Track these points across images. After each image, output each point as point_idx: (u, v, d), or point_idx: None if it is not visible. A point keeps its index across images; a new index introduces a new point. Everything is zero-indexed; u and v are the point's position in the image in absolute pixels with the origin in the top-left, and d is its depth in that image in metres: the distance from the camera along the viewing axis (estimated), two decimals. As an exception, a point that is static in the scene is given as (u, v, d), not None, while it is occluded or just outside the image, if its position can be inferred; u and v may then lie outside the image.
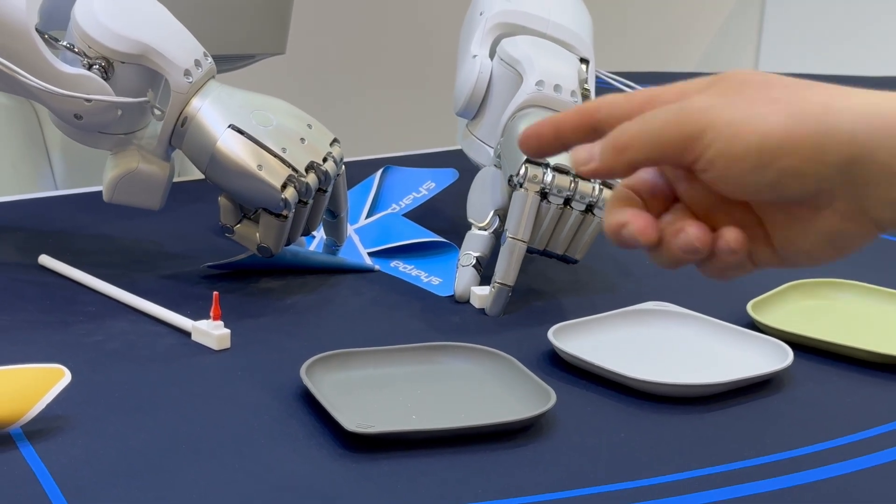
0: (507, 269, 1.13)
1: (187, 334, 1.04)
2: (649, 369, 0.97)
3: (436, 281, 1.20)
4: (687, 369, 1.01)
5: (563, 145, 0.69)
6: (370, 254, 1.26)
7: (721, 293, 1.19)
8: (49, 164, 1.61)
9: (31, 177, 1.61)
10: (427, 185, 1.36)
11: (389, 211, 1.34)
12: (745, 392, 0.97)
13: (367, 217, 1.33)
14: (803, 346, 1.05)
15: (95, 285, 1.13)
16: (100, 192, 1.18)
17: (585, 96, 1.29)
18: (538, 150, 0.69)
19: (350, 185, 1.27)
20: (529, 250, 1.15)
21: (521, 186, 1.13)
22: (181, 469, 0.81)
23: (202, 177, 1.15)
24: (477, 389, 0.95)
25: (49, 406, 0.84)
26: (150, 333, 1.04)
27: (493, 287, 1.14)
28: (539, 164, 1.13)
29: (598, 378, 0.98)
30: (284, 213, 1.11)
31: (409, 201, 1.35)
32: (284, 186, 1.10)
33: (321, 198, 1.16)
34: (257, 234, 1.13)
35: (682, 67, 3.72)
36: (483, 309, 1.14)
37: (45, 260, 1.18)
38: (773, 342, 1.03)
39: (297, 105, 1.18)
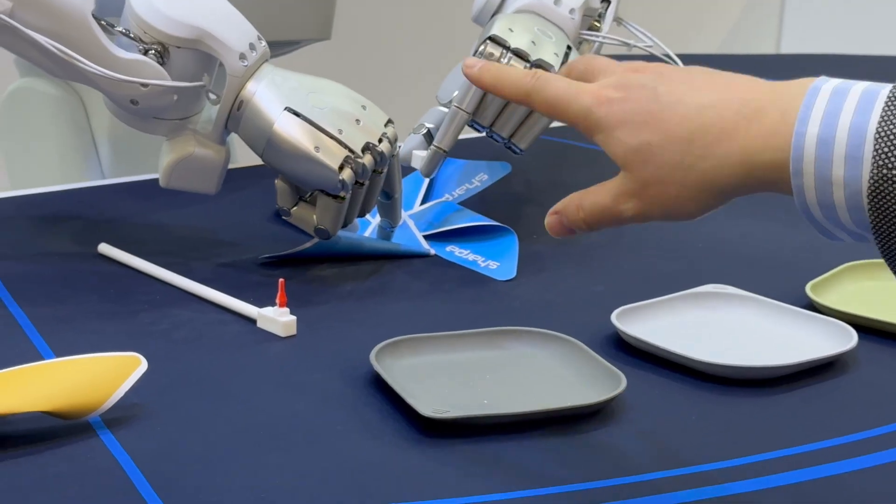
0: (444, 134, 1.22)
1: (252, 322, 1.04)
2: (714, 352, 0.97)
3: (493, 265, 1.20)
4: (752, 352, 1.00)
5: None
6: (426, 237, 1.26)
7: (776, 274, 1.19)
8: (96, 153, 1.62)
9: (78, 166, 1.61)
10: (480, 177, 1.37)
11: (443, 200, 1.34)
12: (810, 374, 0.97)
13: (421, 205, 1.33)
14: (864, 328, 1.05)
15: (158, 273, 1.14)
16: (151, 180, 1.19)
17: (594, 28, 1.32)
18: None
19: (402, 172, 1.28)
20: (476, 127, 1.23)
21: None
22: (263, 456, 0.81)
23: (250, 164, 1.16)
24: (546, 374, 0.95)
25: (124, 394, 0.85)
26: (215, 321, 1.05)
27: (430, 149, 1.22)
28: (500, 45, 1.20)
29: (663, 361, 0.98)
30: (342, 194, 1.12)
31: (461, 192, 1.35)
32: (341, 167, 1.10)
33: (377, 179, 1.16)
34: (314, 217, 1.14)
35: (705, 49, 3.71)
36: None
37: (105, 248, 1.19)
38: (835, 324, 1.03)
39: None
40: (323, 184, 1.11)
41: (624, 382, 0.90)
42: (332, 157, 1.10)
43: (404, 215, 1.28)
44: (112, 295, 1.10)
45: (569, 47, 1.25)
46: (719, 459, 0.83)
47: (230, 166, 1.18)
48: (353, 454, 0.82)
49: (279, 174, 1.14)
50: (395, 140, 1.17)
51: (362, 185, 1.14)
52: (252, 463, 0.80)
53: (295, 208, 1.15)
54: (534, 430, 0.86)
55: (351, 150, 1.10)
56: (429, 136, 1.26)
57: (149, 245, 1.22)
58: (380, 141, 1.14)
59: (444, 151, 1.23)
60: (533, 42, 1.21)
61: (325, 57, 2.16)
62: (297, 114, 1.10)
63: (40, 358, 0.94)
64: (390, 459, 0.82)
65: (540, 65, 1.19)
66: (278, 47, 1.61)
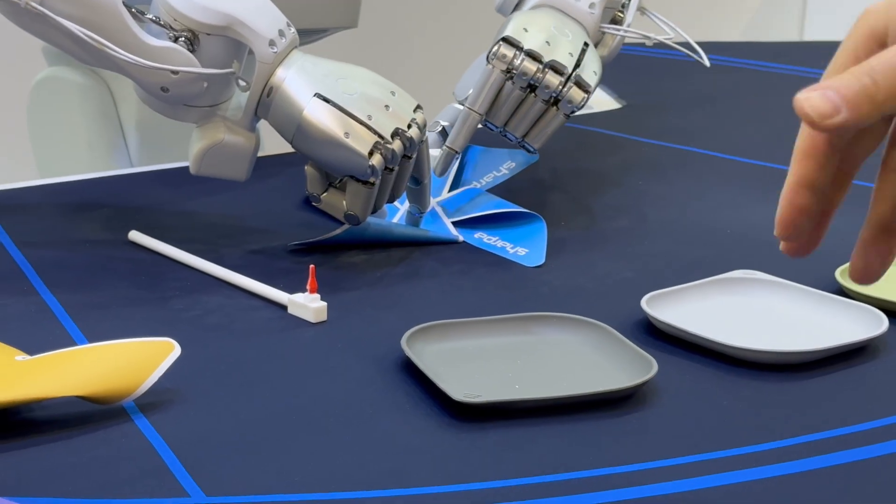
0: (456, 135, 1.24)
1: (283, 308, 1.04)
2: (745, 337, 0.97)
3: (522, 252, 1.20)
4: (782, 337, 1.00)
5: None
6: (454, 224, 1.26)
7: (806, 260, 1.19)
8: (124, 141, 1.63)
9: (106, 154, 1.62)
10: (507, 165, 1.37)
11: (471, 187, 1.34)
12: (840, 359, 0.97)
13: (449, 192, 1.34)
14: (895, 313, 1.04)
15: (188, 260, 1.14)
16: (180, 168, 1.20)
17: (616, 21, 1.33)
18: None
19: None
20: (489, 126, 1.25)
21: (489, 62, 1.22)
22: (294, 440, 0.82)
23: (280, 152, 1.16)
24: (577, 359, 0.95)
25: (159, 379, 0.85)
26: (246, 307, 1.05)
27: (442, 150, 1.24)
28: (513, 46, 1.21)
29: (692, 346, 0.98)
30: (371, 179, 1.12)
31: (489, 179, 1.35)
32: (371, 153, 1.10)
33: (406, 164, 1.17)
34: (344, 203, 1.14)
35: (727, 36, 3.70)
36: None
37: (135, 236, 1.19)
38: (866, 309, 1.02)
39: None
40: (353, 170, 1.11)
41: (655, 367, 0.90)
42: (361, 142, 1.10)
43: (433, 202, 1.29)
44: (143, 282, 1.11)
45: (586, 44, 1.25)
46: (750, 444, 0.83)
47: (260, 154, 1.18)
48: (384, 439, 0.83)
49: (309, 160, 1.14)
50: (425, 125, 1.17)
51: (392, 170, 1.14)
52: (284, 447, 0.81)
53: (325, 194, 1.15)
54: (565, 415, 0.86)
55: (380, 136, 1.11)
56: (444, 134, 1.28)
57: (179, 232, 1.23)
58: (409, 126, 1.14)
59: (456, 152, 1.25)
60: (547, 42, 1.22)
61: (352, 45, 2.17)
62: (326, 100, 1.10)
63: (73, 344, 0.95)
64: (422, 444, 0.82)
65: (553, 66, 1.20)
66: (305, 35, 1.61)
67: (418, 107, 1.17)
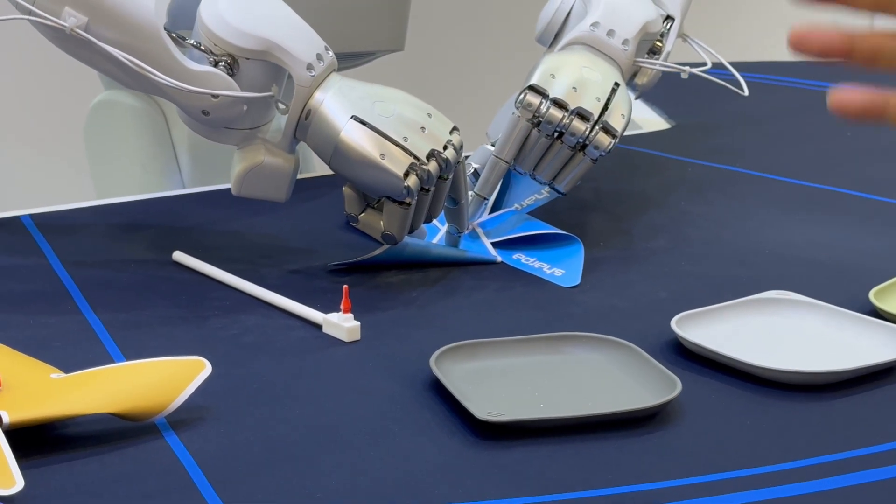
0: (484, 182, 1.27)
1: (318, 327, 1.06)
2: (774, 357, 0.98)
3: (558, 272, 1.21)
4: (811, 357, 1.01)
5: None
6: (493, 244, 1.28)
7: (841, 281, 1.19)
8: (177, 163, 1.66)
9: (159, 176, 1.65)
10: (548, 188, 1.38)
11: (512, 209, 1.36)
12: (870, 379, 0.97)
13: (490, 214, 1.35)
14: (928, 334, 1.05)
15: (228, 280, 1.17)
16: (227, 190, 1.22)
17: (655, 51, 1.34)
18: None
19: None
20: (518, 170, 1.27)
21: (516, 110, 1.23)
22: (321, 457, 0.84)
23: (323, 174, 1.18)
24: (603, 378, 0.97)
25: (191, 397, 0.87)
26: (282, 327, 1.07)
27: (472, 196, 1.27)
28: (539, 94, 1.22)
29: (722, 366, 0.99)
30: (407, 200, 1.14)
31: (530, 202, 1.36)
32: (407, 174, 1.12)
33: (442, 185, 1.18)
34: (381, 223, 1.16)
35: (795, 56, 3.67)
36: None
37: (179, 256, 1.22)
38: (897, 329, 1.03)
39: None
40: (389, 190, 1.13)
41: (679, 386, 0.91)
42: (397, 164, 1.12)
43: (473, 224, 1.30)
44: (184, 301, 1.13)
45: (616, 84, 1.26)
46: (774, 463, 0.84)
47: (307, 175, 1.20)
48: (407, 456, 0.84)
49: (347, 182, 1.16)
50: (461, 147, 1.19)
51: (428, 191, 1.16)
52: (308, 464, 0.83)
53: (363, 214, 1.17)
54: (588, 434, 0.87)
55: (416, 157, 1.13)
56: (476, 175, 1.29)
57: (222, 252, 1.25)
58: (445, 148, 1.15)
59: (485, 198, 1.28)
60: (574, 88, 1.22)
61: (399, 68, 2.19)
62: (363, 122, 1.12)
63: (112, 362, 0.98)
64: (445, 461, 0.83)
65: (580, 113, 1.21)
66: (353, 58, 1.64)
67: (455, 128, 1.19)
